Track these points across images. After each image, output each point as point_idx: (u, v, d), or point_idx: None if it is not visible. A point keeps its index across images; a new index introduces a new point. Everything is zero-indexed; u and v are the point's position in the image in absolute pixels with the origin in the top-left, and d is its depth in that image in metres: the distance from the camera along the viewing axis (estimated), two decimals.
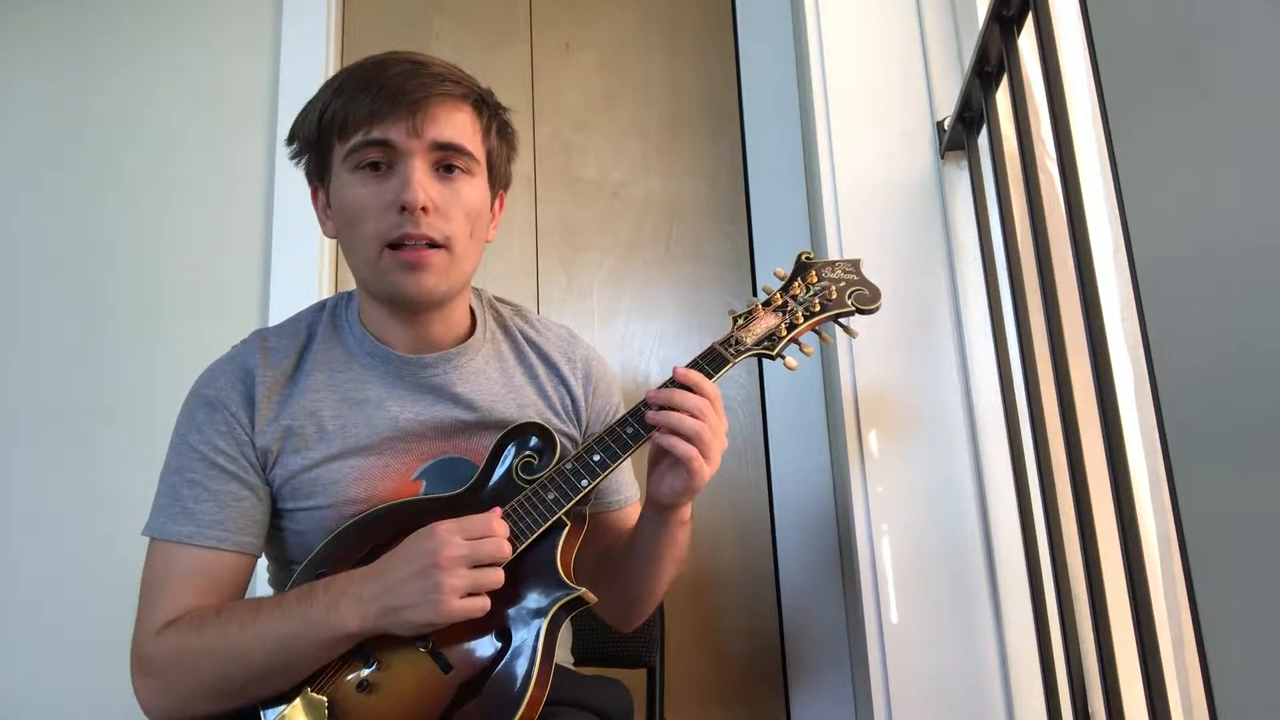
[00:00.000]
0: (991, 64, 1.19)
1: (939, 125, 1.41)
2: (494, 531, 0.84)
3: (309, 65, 1.82)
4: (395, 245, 0.90)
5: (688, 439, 0.88)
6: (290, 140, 0.99)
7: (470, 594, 0.81)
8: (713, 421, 0.89)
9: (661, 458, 0.92)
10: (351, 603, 0.82)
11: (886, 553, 1.29)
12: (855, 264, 1.03)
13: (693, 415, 0.88)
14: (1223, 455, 0.65)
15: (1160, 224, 0.73)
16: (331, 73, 1.81)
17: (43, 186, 1.82)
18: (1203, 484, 0.67)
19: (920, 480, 1.31)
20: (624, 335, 1.76)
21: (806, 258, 1.02)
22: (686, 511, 0.95)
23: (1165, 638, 0.84)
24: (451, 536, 0.82)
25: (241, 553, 0.92)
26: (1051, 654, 1.11)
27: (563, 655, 1.09)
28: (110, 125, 1.84)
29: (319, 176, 0.98)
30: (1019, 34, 1.10)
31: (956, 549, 1.28)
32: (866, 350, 1.35)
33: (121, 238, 1.78)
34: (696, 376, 0.91)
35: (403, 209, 0.89)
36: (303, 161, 0.99)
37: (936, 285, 1.36)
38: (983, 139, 1.26)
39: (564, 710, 0.94)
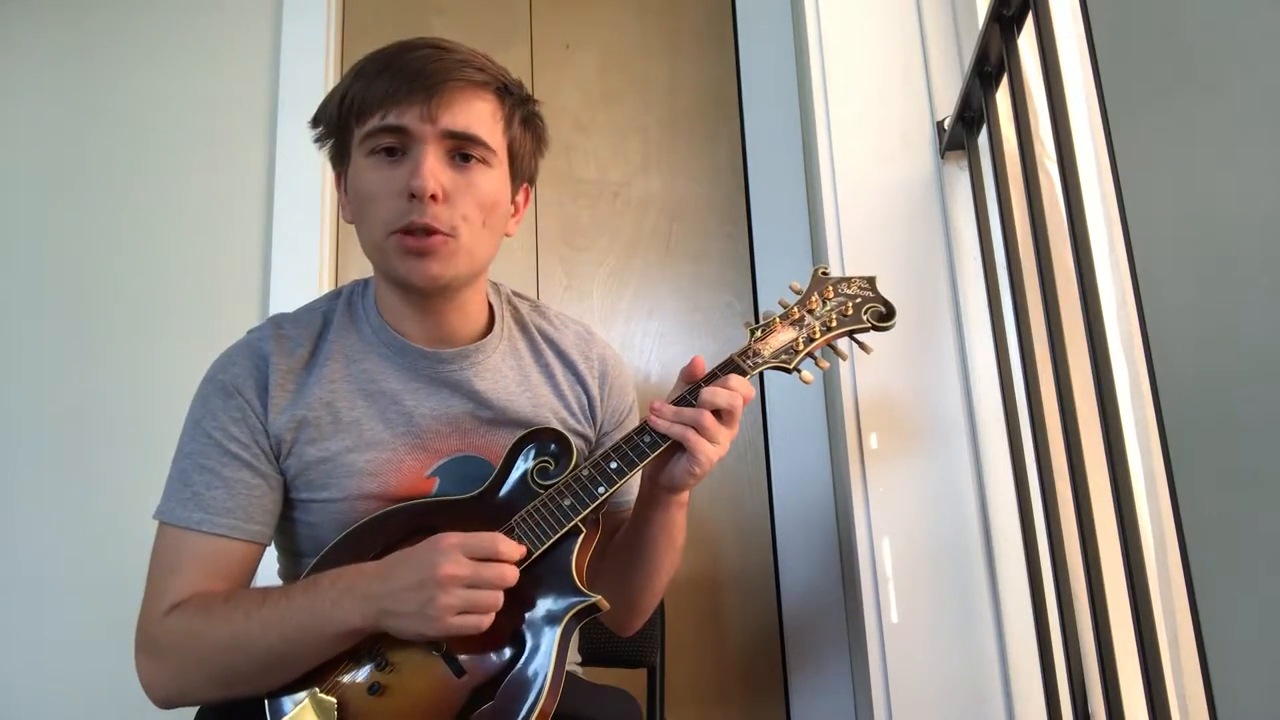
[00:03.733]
0: (991, 64, 1.19)
1: (939, 125, 1.41)
2: (500, 555, 0.82)
3: (309, 67, 1.81)
4: (402, 231, 0.90)
5: (701, 433, 0.88)
6: (315, 124, 0.98)
7: (466, 612, 0.80)
8: (734, 416, 0.91)
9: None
10: (356, 599, 0.82)
11: (886, 553, 1.29)
12: (871, 281, 1.03)
13: (715, 412, 0.89)
14: (1223, 455, 0.65)
15: (1160, 224, 0.73)
16: (331, 74, 1.82)
17: (45, 186, 1.83)
18: (1203, 484, 0.67)
19: (920, 480, 1.31)
20: (624, 335, 1.76)
21: (823, 273, 1.02)
22: (686, 495, 0.95)
23: (1163, 637, 0.84)
24: (455, 553, 0.81)
25: (250, 541, 0.92)
26: (1051, 654, 1.11)
27: (571, 655, 1.08)
28: (111, 127, 1.84)
29: (340, 161, 0.97)
30: (1019, 34, 1.10)
31: (956, 549, 1.28)
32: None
33: (123, 238, 1.78)
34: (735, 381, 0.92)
35: (412, 196, 0.88)
36: (327, 146, 0.98)
37: (936, 285, 1.36)
38: (983, 139, 1.26)
39: None
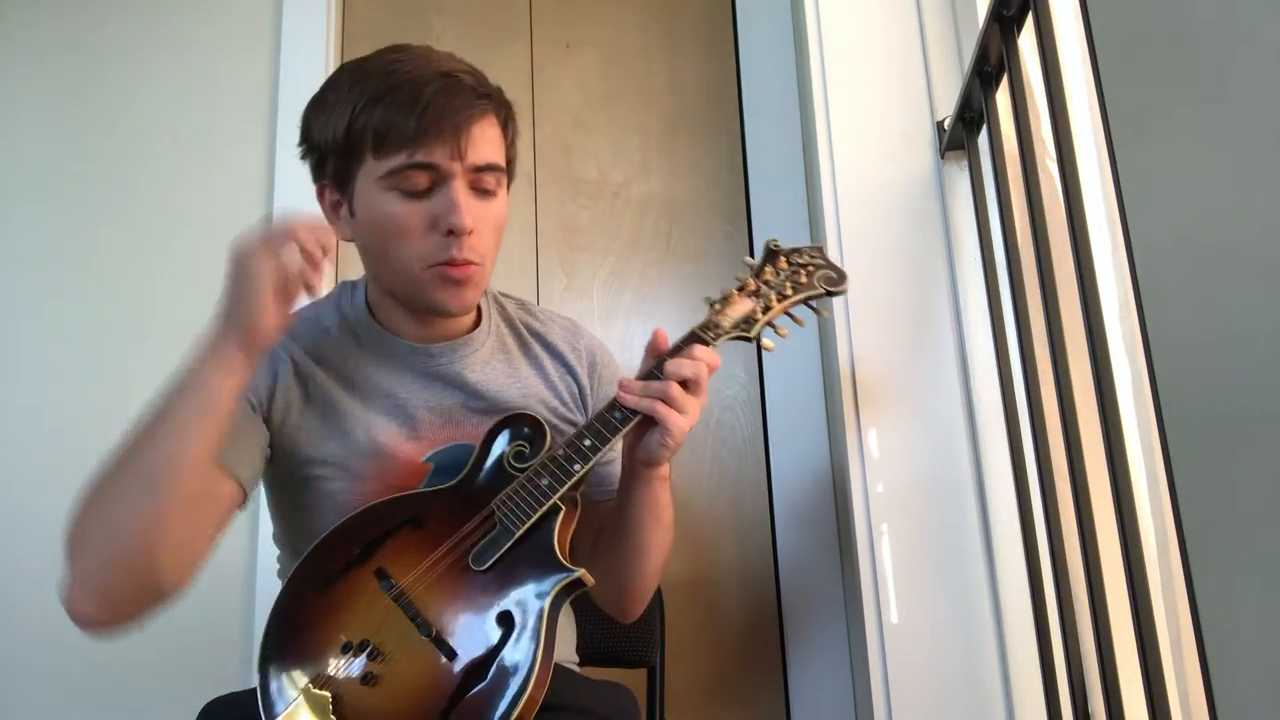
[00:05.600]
0: (991, 64, 1.19)
1: (939, 125, 1.41)
2: (292, 223, 0.85)
3: (309, 65, 1.81)
4: (445, 264, 0.92)
5: (669, 404, 0.89)
6: (305, 139, 0.97)
7: (281, 273, 0.84)
8: (700, 385, 0.92)
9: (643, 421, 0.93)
10: (204, 339, 0.85)
11: (886, 553, 1.29)
12: (819, 249, 1.07)
13: (681, 382, 0.90)
14: (1223, 455, 0.65)
15: (1160, 224, 0.73)
16: (330, 72, 1.81)
17: (41, 186, 1.82)
18: (1203, 484, 0.67)
19: (920, 480, 1.31)
20: (624, 335, 1.76)
21: (774, 245, 1.05)
22: (666, 468, 0.96)
23: (1163, 637, 0.84)
24: (247, 241, 0.85)
25: (226, 470, 0.88)
26: (1051, 654, 1.11)
27: (568, 655, 1.08)
28: (109, 125, 1.84)
29: (336, 180, 0.96)
30: (1019, 34, 1.10)
31: (956, 549, 1.28)
32: (867, 350, 1.35)
33: (122, 238, 1.78)
34: (700, 350, 0.94)
35: (449, 232, 0.90)
36: (313, 159, 0.98)
37: (936, 285, 1.36)
38: (983, 139, 1.26)
39: (568, 716, 0.93)
